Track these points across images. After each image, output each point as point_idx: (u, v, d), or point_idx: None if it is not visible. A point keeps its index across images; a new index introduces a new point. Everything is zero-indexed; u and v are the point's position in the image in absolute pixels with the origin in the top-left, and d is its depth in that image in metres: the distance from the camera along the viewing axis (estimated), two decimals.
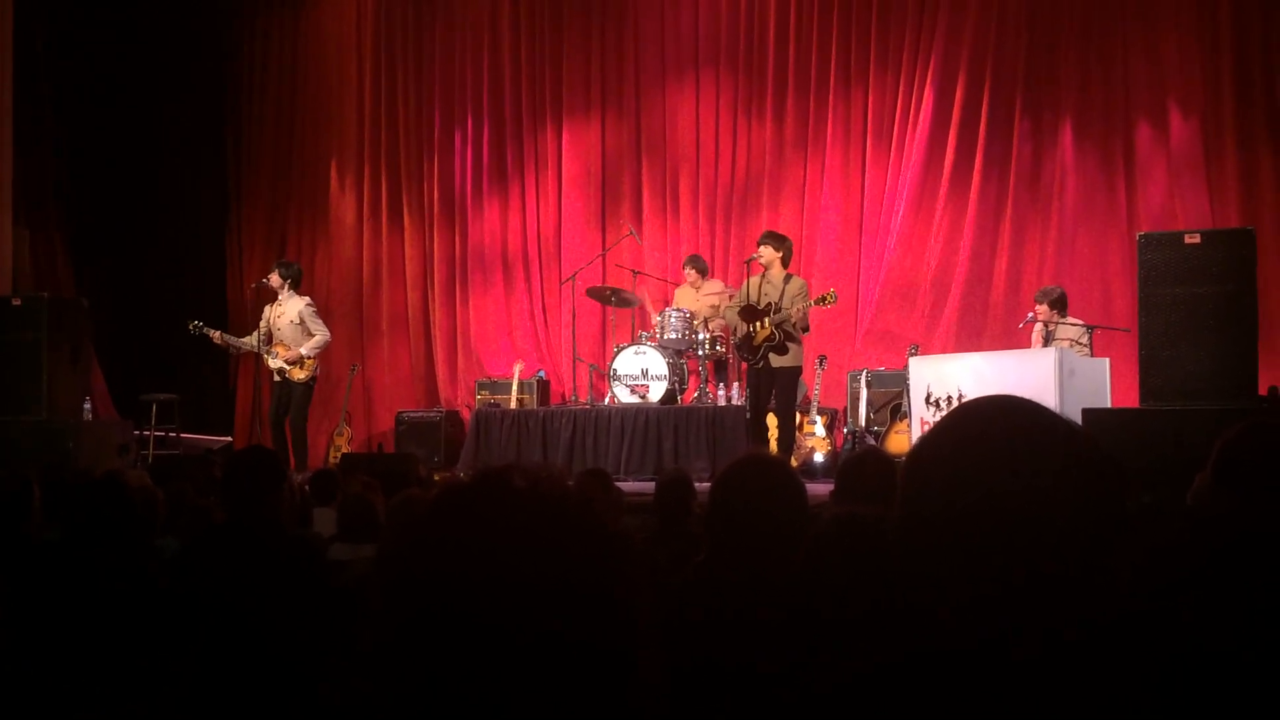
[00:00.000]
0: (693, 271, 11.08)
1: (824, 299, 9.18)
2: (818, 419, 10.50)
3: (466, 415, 12.12)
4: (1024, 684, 1.24)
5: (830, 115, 11.86)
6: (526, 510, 1.17)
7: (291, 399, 10.46)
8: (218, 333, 10.64)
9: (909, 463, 1.38)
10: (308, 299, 10.78)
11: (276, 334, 10.45)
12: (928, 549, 1.32)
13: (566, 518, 1.17)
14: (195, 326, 10.60)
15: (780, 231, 9.91)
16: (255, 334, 10.64)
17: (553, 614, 1.12)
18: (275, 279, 10.56)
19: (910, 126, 11.48)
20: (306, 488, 6.44)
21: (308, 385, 10.52)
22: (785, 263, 9.43)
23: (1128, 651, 1.26)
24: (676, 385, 10.62)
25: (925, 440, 1.39)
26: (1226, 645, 1.33)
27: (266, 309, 10.69)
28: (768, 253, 9.32)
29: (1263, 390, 7.12)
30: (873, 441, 10.10)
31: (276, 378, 10.50)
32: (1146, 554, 1.91)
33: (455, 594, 1.13)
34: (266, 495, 3.65)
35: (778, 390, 9.30)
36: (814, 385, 10.59)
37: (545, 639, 1.12)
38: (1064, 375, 8.20)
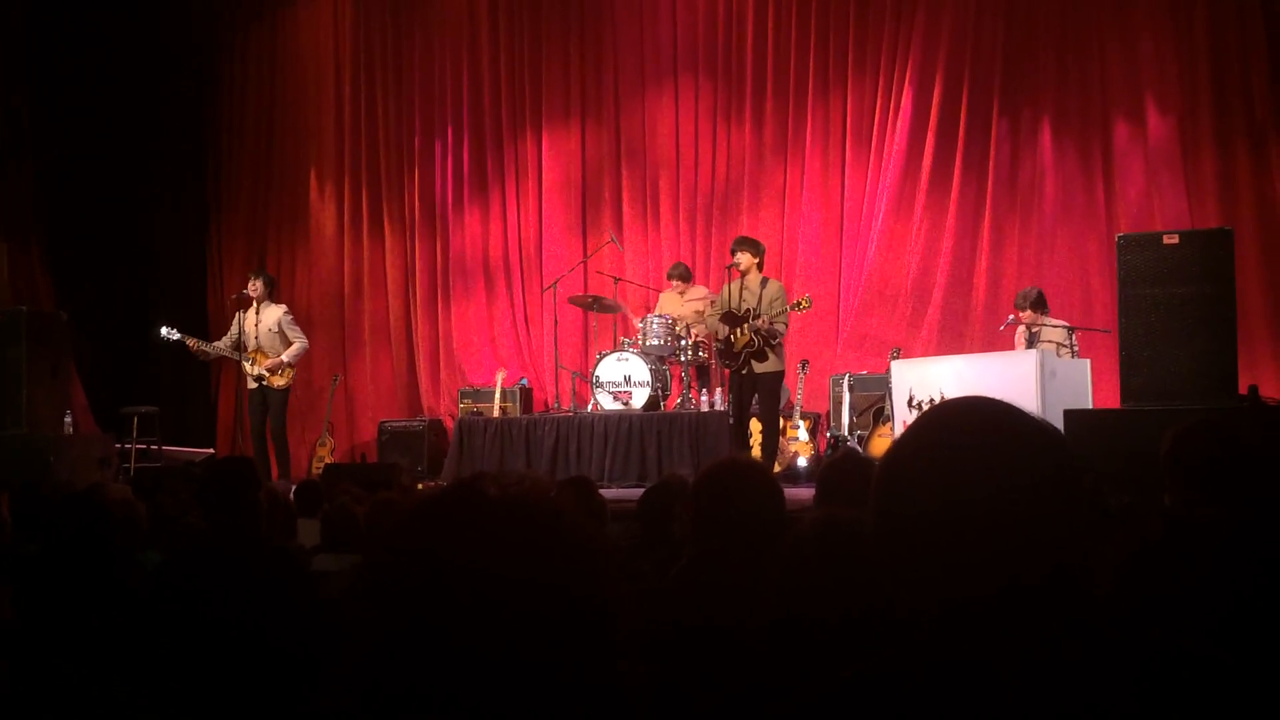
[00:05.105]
0: (676, 280, 11.08)
1: (799, 304, 9.21)
2: (800, 423, 10.51)
3: (450, 424, 12.10)
4: (1008, 692, 1.23)
5: (809, 119, 11.88)
6: (500, 520, 1.16)
7: (269, 406, 10.44)
8: (193, 340, 10.59)
9: (882, 469, 1.38)
10: (285, 307, 10.78)
11: (253, 342, 10.42)
12: (904, 555, 1.32)
13: (540, 526, 1.17)
14: (167, 333, 10.55)
15: (757, 237, 9.93)
16: (225, 340, 10.62)
17: (528, 623, 1.12)
18: (259, 287, 10.54)
19: (889, 129, 11.50)
20: (292, 498, 6.42)
21: (285, 392, 10.51)
22: (760, 266, 9.47)
23: (1110, 655, 1.26)
24: (659, 391, 10.62)
25: (898, 445, 1.39)
26: (1209, 647, 1.33)
27: (239, 316, 10.67)
28: (746, 259, 9.33)
29: (1242, 389, 7.14)
30: (855, 445, 10.11)
31: (252, 384, 10.47)
32: (1126, 556, 1.91)
33: (430, 604, 1.12)
34: (244, 504, 3.63)
35: (760, 395, 9.30)
36: (796, 390, 10.60)
37: (520, 648, 1.11)
38: (1045, 376, 8.22)
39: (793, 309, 9.20)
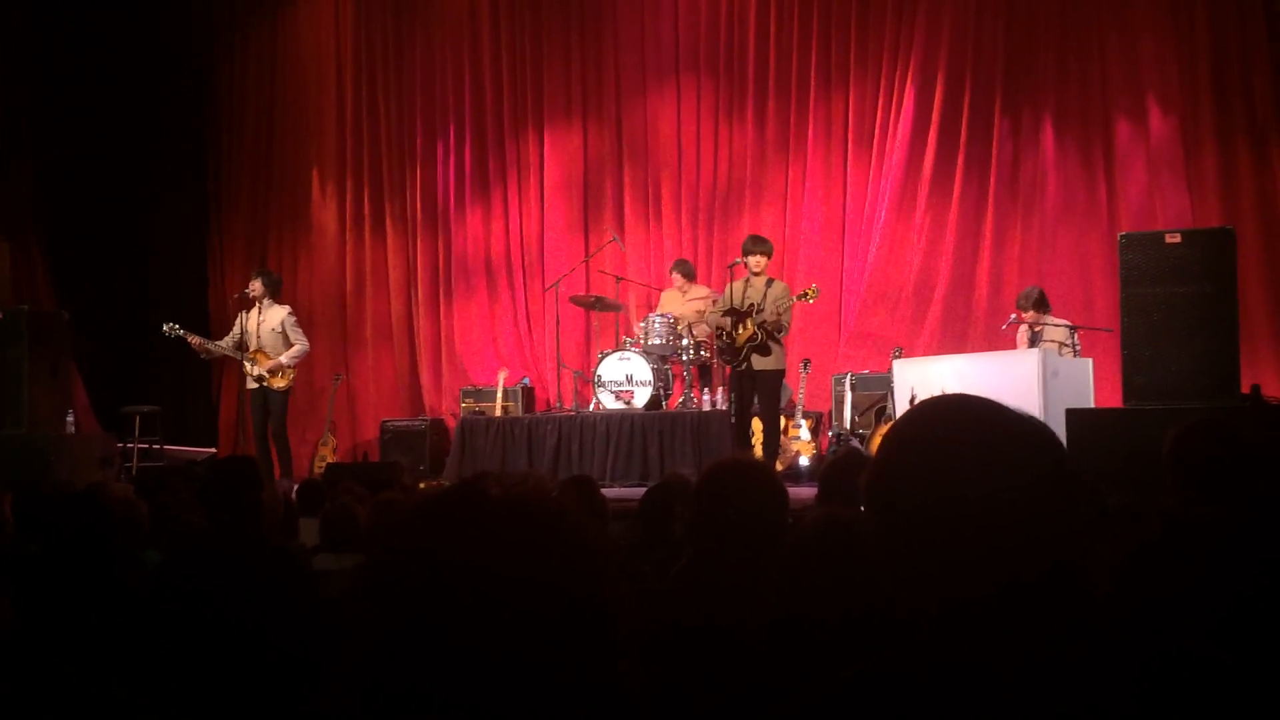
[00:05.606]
0: (679, 276, 11.07)
1: (805, 295, 9.18)
2: (802, 422, 10.51)
3: (451, 423, 12.10)
4: (1007, 692, 1.23)
5: (811, 118, 11.88)
6: (502, 520, 1.16)
7: (270, 407, 10.44)
8: (196, 337, 10.59)
9: (876, 467, 1.37)
10: (289, 308, 10.77)
11: (255, 342, 10.42)
12: (903, 553, 1.32)
13: (542, 526, 1.17)
14: (170, 329, 10.53)
15: (763, 235, 9.92)
16: (228, 339, 10.62)
17: (529, 623, 1.12)
18: (258, 287, 10.54)
19: (891, 129, 11.50)
20: (293, 497, 6.42)
21: (285, 393, 10.51)
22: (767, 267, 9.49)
23: (1110, 655, 1.26)
24: (661, 390, 10.61)
25: (890, 443, 1.37)
26: (1209, 647, 1.33)
27: (241, 316, 10.66)
28: (763, 262, 9.32)
29: (1244, 389, 7.14)
30: (857, 444, 10.11)
31: (253, 385, 10.47)
32: (1126, 555, 1.91)
33: (432, 604, 1.12)
34: (247, 504, 3.63)
35: (761, 394, 9.29)
36: (798, 389, 10.60)
37: (521, 647, 1.11)
38: (1047, 376, 8.22)
39: (800, 299, 9.18)
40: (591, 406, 10.99)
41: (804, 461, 10.37)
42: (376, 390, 13.46)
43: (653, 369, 10.53)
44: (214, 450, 12.95)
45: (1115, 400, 8.41)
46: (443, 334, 13.30)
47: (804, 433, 10.50)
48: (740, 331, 9.19)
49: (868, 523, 1.38)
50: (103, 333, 13.00)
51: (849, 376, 10.75)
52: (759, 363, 9.17)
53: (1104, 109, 10.87)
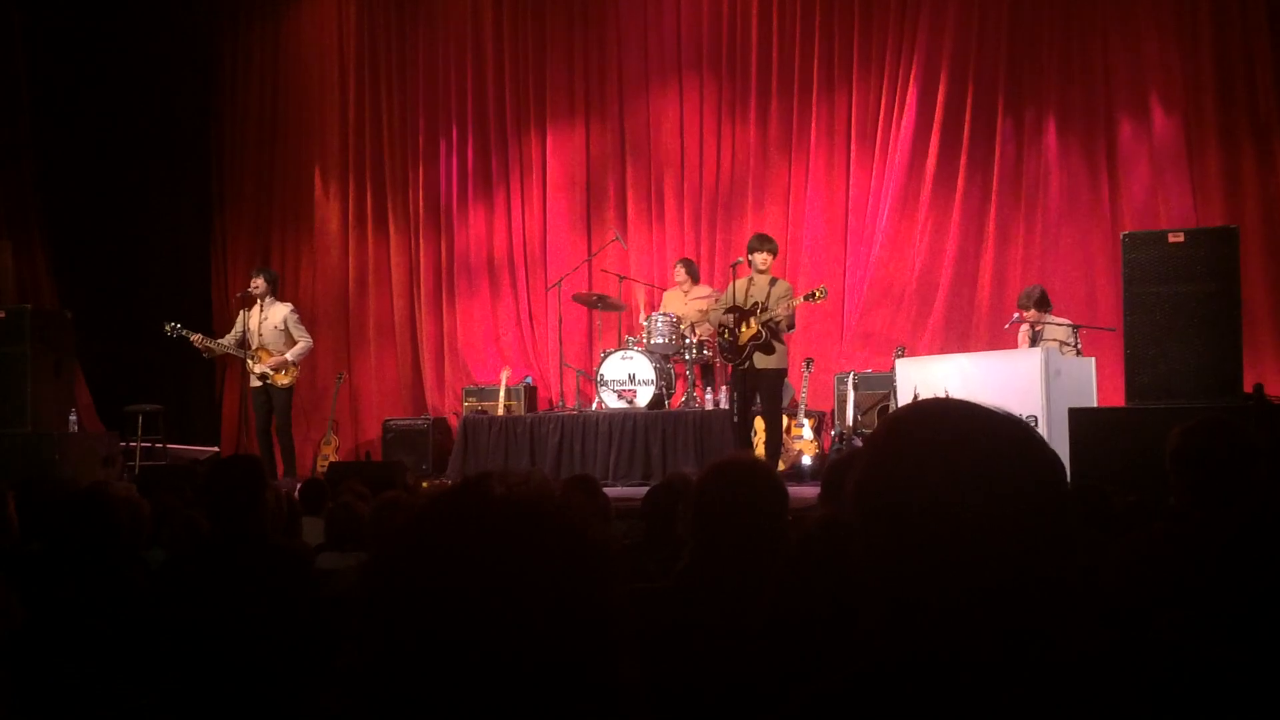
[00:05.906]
0: (684, 274, 11.08)
1: (813, 295, 9.16)
2: (805, 422, 10.51)
3: (454, 422, 12.11)
4: (1006, 693, 1.23)
5: (814, 117, 11.88)
6: (504, 519, 1.16)
7: (274, 405, 10.44)
8: (198, 335, 10.59)
9: (857, 478, 1.36)
10: (291, 305, 10.77)
11: (258, 340, 10.42)
12: (899, 555, 1.31)
13: (544, 525, 1.17)
14: (173, 328, 10.54)
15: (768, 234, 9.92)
16: (230, 337, 10.62)
17: (531, 622, 1.12)
18: (260, 285, 10.54)
19: (894, 128, 11.49)
20: (296, 496, 6.43)
21: (289, 391, 10.51)
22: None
23: (1112, 653, 1.26)
24: (664, 390, 10.61)
25: (870, 451, 1.36)
26: (1213, 645, 1.33)
27: (243, 314, 10.67)
28: (769, 260, 9.32)
29: (1247, 388, 7.14)
30: (860, 444, 10.10)
31: (257, 383, 10.48)
32: (1131, 554, 1.91)
33: (435, 603, 1.13)
34: (249, 504, 3.63)
35: (762, 394, 9.28)
36: (801, 388, 10.60)
37: (524, 647, 1.11)
38: (1050, 375, 8.21)
39: (807, 299, 9.16)
40: (594, 405, 10.99)
41: (806, 461, 10.37)
42: (379, 389, 13.47)
43: (655, 368, 10.53)
44: (216, 449, 12.97)
45: (1117, 399, 8.41)
46: (445, 333, 13.31)
47: (806, 432, 10.50)
48: (744, 330, 9.18)
49: (853, 527, 1.37)
50: (106, 332, 13.00)
51: (851, 376, 10.73)
52: (761, 361, 9.16)
53: (1107, 108, 10.85)
